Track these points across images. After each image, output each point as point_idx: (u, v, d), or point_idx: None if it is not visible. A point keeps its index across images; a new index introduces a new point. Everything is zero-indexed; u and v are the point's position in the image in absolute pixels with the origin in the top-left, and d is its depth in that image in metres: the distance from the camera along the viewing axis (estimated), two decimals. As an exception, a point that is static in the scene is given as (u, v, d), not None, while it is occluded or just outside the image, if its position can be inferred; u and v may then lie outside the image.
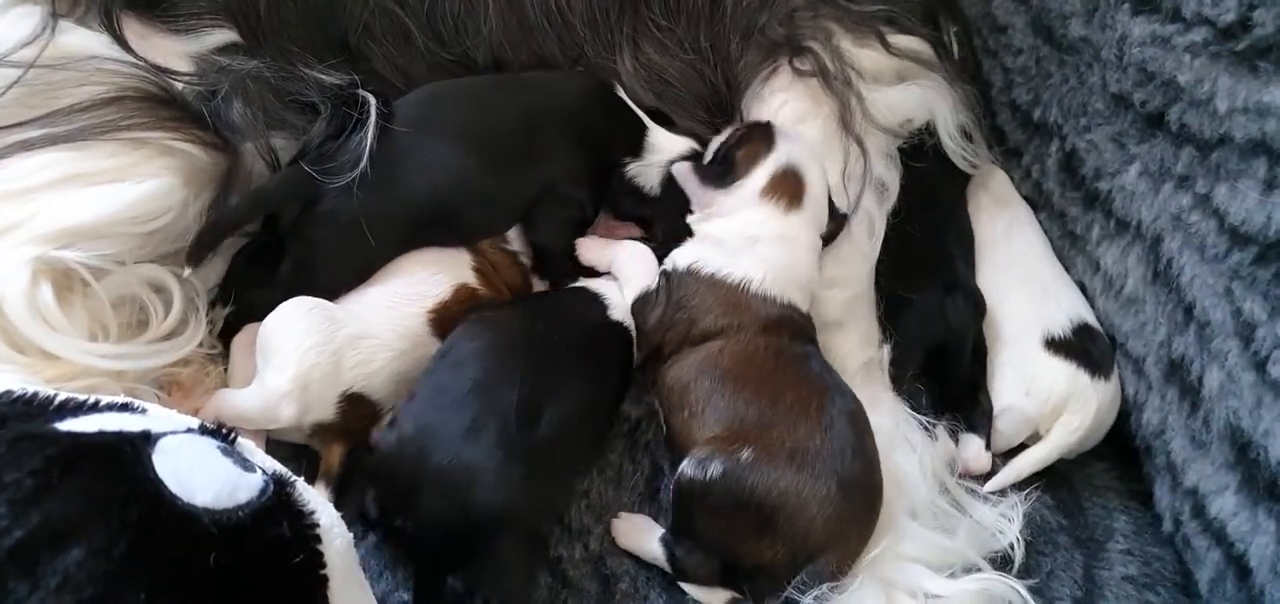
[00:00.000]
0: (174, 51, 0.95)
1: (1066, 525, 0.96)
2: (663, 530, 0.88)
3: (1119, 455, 1.02)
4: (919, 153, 1.13)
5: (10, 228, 0.78)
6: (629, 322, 0.96)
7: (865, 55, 1.13)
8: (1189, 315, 0.95)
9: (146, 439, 0.61)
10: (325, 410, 0.86)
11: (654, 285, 0.97)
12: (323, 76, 0.97)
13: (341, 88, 0.97)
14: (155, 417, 0.66)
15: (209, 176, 0.89)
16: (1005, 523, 0.91)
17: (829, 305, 0.99)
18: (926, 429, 0.97)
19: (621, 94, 1.05)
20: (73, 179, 0.81)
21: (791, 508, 0.83)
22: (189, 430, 0.66)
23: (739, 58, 1.14)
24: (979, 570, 0.86)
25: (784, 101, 1.09)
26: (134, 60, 0.88)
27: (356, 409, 0.87)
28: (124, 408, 0.66)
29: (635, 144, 1.03)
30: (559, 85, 1.03)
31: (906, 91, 1.12)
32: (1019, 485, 0.97)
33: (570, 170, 0.98)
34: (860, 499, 0.86)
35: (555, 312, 0.93)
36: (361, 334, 0.88)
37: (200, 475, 0.61)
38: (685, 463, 0.85)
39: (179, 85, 0.91)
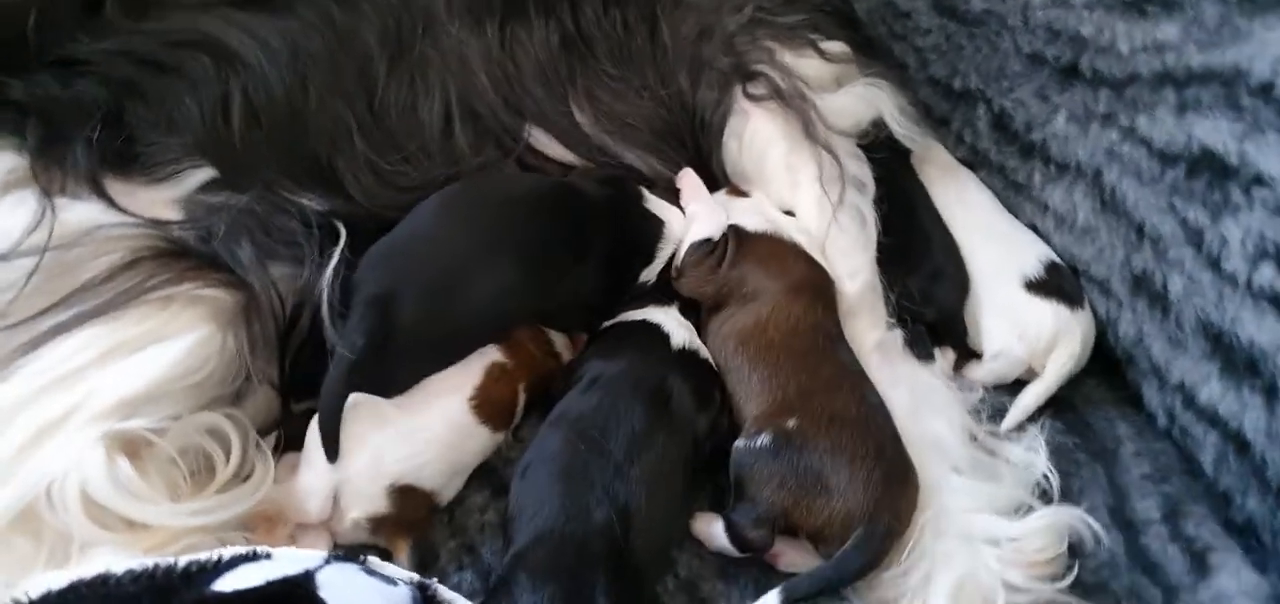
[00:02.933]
0: (160, 201, 0.95)
1: (1080, 443, 1.05)
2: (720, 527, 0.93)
3: (1102, 369, 1.12)
4: (872, 146, 1.21)
5: (70, 413, 0.77)
6: (693, 344, 1.00)
7: (807, 66, 1.21)
8: (1141, 234, 1.05)
9: (308, 578, 0.62)
10: (374, 503, 0.87)
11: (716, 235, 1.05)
12: (305, 203, 0.98)
13: (324, 214, 0.98)
14: (288, 557, 0.67)
15: (237, 313, 0.89)
16: (1033, 456, 0.99)
17: (845, 296, 1.06)
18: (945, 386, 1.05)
19: (647, 201, 1.09)
20: (114, 351, 0.81)
21: (839, 470, 0.90)
22: (327, 562, 0.67)
23: (692, 93, 1.20)
24: (1029, 507, 0.93)
25: (752, 133, 1.16)
26: (135, 220, 0.88)
27: (411, 500, 0.89)
28: (255, 557, 0.67)
29: (651, 250, 1.07)
30: (595, 194, 1.06)
31: (851, 94, 1.20)
32: (1028, 420, 1.05)
33: (599, 285, 1.03)
34: (900, 463, 0.93)
35: (621, 382, 0.95)
36: (413, 428, 0.90)
37: (362, 598, 0.63)
38: (738, 440, 0.93)
39: (175, 233, 0.90)
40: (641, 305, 1.03)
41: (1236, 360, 0.96)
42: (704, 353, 1.01)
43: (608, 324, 1.03)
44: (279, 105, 1.02)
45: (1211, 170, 0.98)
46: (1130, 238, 1.07)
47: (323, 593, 0.61)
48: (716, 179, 1.21)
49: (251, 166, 0.99)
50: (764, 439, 0.92)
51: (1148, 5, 1.03)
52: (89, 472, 0.75)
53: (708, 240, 1.08)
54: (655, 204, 1.09)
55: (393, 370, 0.91)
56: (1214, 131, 0.97)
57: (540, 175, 1.11)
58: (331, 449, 0.86)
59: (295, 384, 0.95)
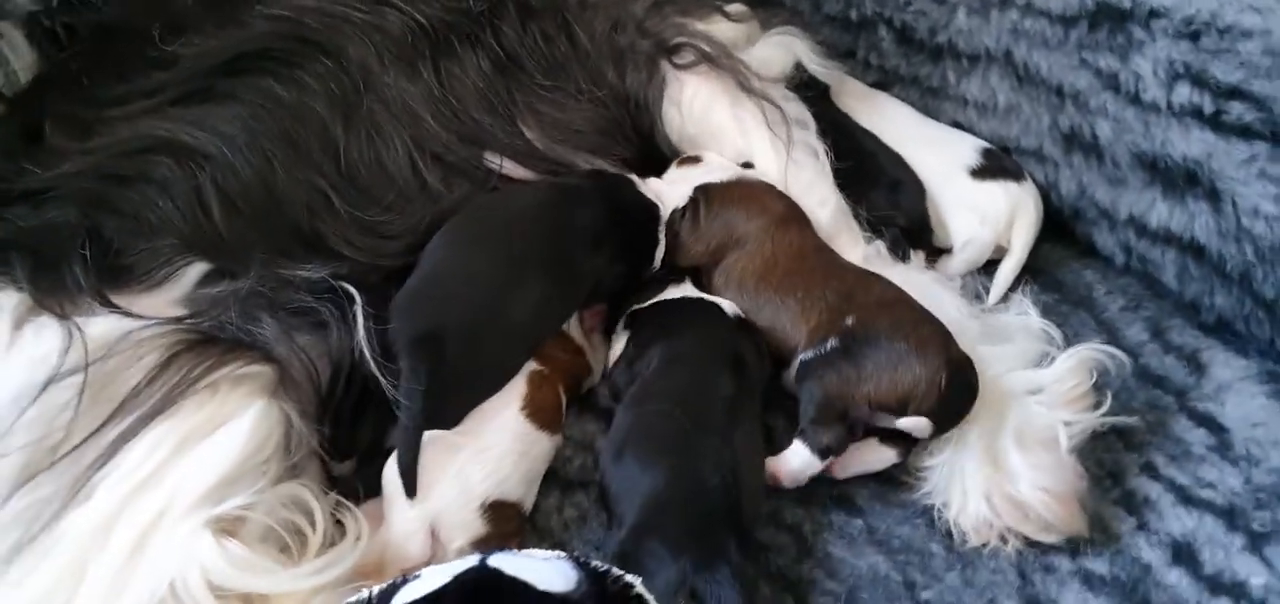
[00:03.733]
0: (164, 304, 0.93)
1: (1059, 297, 1.16)
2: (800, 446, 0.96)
3: (1052, 232, 1.22)
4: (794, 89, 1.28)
5: (164, 511, 0.76)
6: (737, 309, 1.05)
7: (719, 30, 1.28)
8: (1061, 95, 1.17)
9: (483, 564, 0.64)
10: (472, 527, 0.89)
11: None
12: (304, 273, 0.98)
13: (321, 281, 0.98)
14: (441, 570, 0.68)
15: (278, 385, 0.88)
16: (1027, 317, 1.07)
17: (820, 224, 1.12)
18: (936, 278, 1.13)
19: (638, 185, 1.14)
20: (184, 444, 0.80)
21: (908, 338, 0.95)
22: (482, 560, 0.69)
23: (621, 81, 1.25)
24: (1049, 355, 1.02)
25: (691, 97, 1.21)
26: (157, 320, 0.87)
27: (503, 514, 0.90)
28: (406, 581, 0.68)
29: (654, 231, 1.10)
30: (591, 190, 1.10)
31: (768, 45, 1.28)
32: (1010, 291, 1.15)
33: (619, 273, 1.07)
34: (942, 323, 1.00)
35: (701, 356, 0.98)
36: (482, 448, 0.91)
37: (536, 570, 0.65)
38: (802, 355, 0.98)
39: (201, 324, 0.89)
40: (676, 284, 1.08)
41: (1175, 177, 1.08)
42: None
43: (641, 307, 1.06)
44: (252, 188, 1.01)
45: (1110, 19, 1.10)
46: (1052, 101, 1.18)
47: (507, 569, 0.63)
48: (664, 159, 1.26)
49: (242, 251, 0.98)
50: (831, 342, 0.97)
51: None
52: (205, 559, 0.74)
53: (678, 210, 1.13)
54: (646, 186, 1.14)
55: (450, 404, 0.92)
56: (1103, -16, 1.09)
57: (532, 185, 1.13)
58: (411, 486, 0.86)
59: (337, 443, 0.95)
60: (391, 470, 0.88)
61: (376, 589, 0.66)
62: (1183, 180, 1.08)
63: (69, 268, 0.89)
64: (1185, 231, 1.09)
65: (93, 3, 1.15)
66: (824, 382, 0.96)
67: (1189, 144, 1.06)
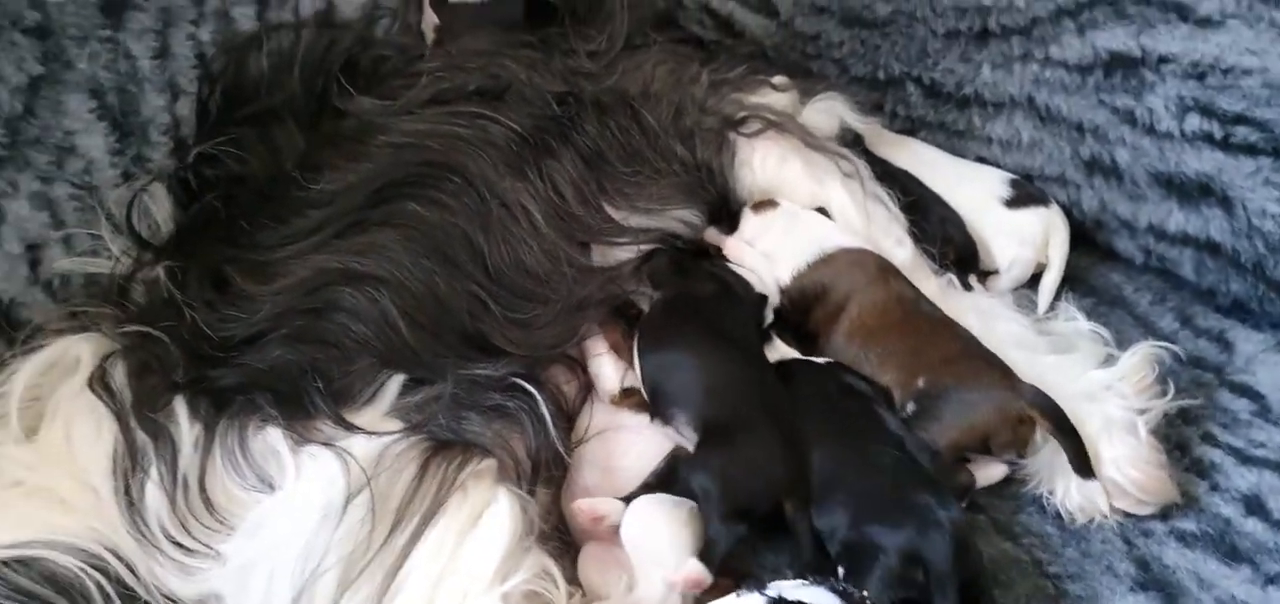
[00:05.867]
0: (377, 418, 1.05)
1: (1096, 301, 1.34)
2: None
3: (1074, 241, 1.40)
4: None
5: (466, 594, 0.90)
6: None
7: (772, 99, 1.45)
8: (1081, 130, 1.36)
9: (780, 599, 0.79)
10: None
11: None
12: (483, 372, 1.11)
13: (501, 378, 1.11)
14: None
15: (501, 474, 1.02)
16: (1077, 322, 1.26)
17: (901, 263, 1.29)
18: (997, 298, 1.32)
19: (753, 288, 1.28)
20: (460, 538, 0.93)
21: (974, 391, 1.12)
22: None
23: (694, 157, 1.40)
24: (1111, 355, 1.21)
25: (762, 158, 1.37)
26: (400, 432, 1.00)
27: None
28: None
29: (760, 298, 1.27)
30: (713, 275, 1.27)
31: (814, 110, 1.45)
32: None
33: None
34: (1002, 361, 1.17)
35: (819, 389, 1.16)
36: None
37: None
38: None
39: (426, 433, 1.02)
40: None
41: (1190, 190, 1.29)
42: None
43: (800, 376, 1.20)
44: (424, 301, 1.13)
45: (1123, 66, 1.30)
46: (1073, 136, 1.38)
47: (792, 597, 0.78)
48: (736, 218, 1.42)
49: (428, 359, 1.10)
50: (910, 406, 1.14)
51: (1034, -34, 1.33)
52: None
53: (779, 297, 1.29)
54: (731, 268, 1.29)
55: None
56: (1114, 39, 1.29)
57: (692, 280, 1.27)
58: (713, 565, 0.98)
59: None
60: (633, 530, 1.00)
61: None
62: (1197, 192, 1.28)
63: (309, 399, 1.01)
64: (1201, 233, 1.30)
65: (224, 159, 1.27)
66: (924, 433, 1.11)
67: (1201, 163, 1.26)
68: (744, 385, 1.12)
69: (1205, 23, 1.19)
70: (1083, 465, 1.08)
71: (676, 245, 1.34)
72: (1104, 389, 1.16)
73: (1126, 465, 1.11)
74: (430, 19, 1.55)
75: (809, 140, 1.38)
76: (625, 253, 1.32)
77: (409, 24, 1.56)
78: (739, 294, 1.24)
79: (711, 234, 1.36)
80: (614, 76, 1.45)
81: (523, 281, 1.21)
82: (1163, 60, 1.26)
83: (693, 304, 1.21)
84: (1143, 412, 1.14)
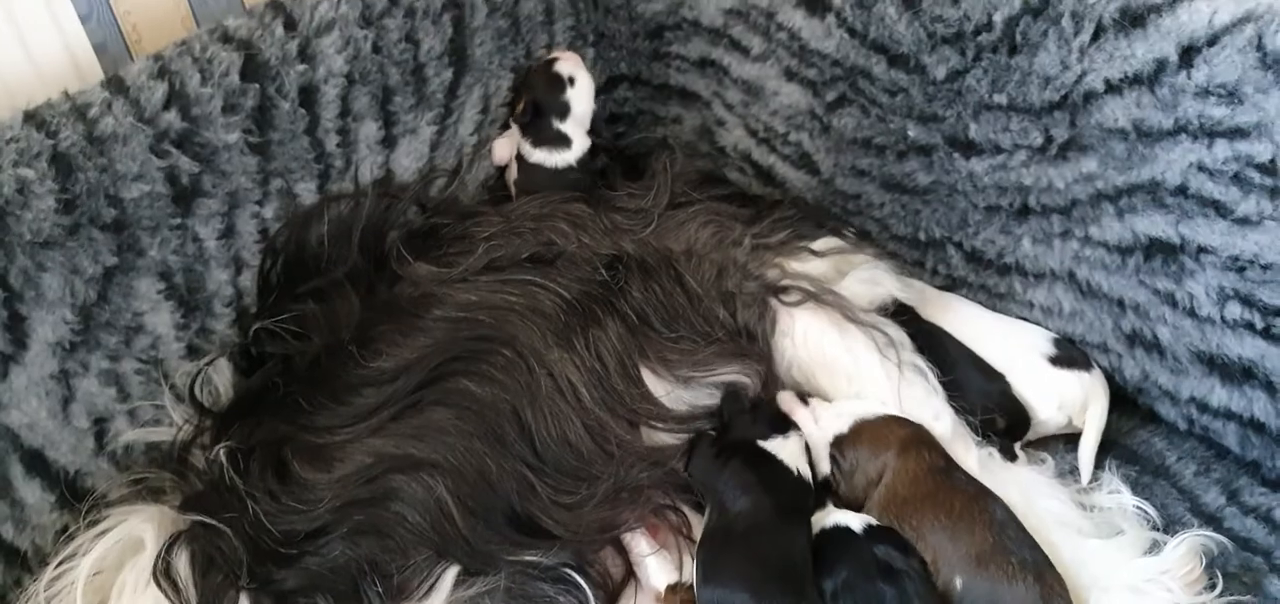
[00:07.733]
0: (436, 612, 1.08)
1: (1139, 470, 1.35)
2: None
3: (1115, 400, 1.42)
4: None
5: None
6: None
7: (813, 267, 1.48)
8: (1122, 306, 1.37)
9: None
10: None
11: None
12: (532, 559, 1.14)
13: (552, 569, 1.14)
14: None
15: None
16: (1120, 495, 1.27)
17: (940, 435, 1.31)
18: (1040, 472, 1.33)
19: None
20: None
21: (1006, 594, 1.13)
22: None
23: (734, 319, 1.42)
24: (1156, 543, 1.21)
25: (802, 331, 1.40)
26: None
27: None
28: None
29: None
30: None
31: (856, 280, 1.47)
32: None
33: None
34: (1040, 556, 1.17)
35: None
36: None
37: None
38: None
39: None
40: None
41: (1233, 371, 1.29)
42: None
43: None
44: (477, 486, 1.17)
45: (1162, 251, 1.30)
46: (1114, 310, 1.38)
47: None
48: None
49: (481, 548, 1.14)
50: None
51: (1068, 152, 1.34)
52: None
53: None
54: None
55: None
56: (1153, 225, 1.29)
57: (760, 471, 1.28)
58: None
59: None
60: None
61: None
62: (1240, 373, 1.28)
63: (368, 601, 1.04)
64: (1244, 411, 1.30)
65: (283, 335, 1.31)
66: None
67: (1243, 347, 1.26)
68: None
69: (1243, 221, 1.21)
70: None
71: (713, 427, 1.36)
72: (1148, 582, 1.16)
73: (1177, 661, 1.11)
74: (512, 174, 1.65)
75: (847, 313, 1.40)
76: (668, 437, 1.34)
77: (464, 182, 1.61)
78: (788, 499, 1.25)
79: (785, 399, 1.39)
80: (658, 234, 1.48)
81: (568, 459, 1.24)
82: (1202, 250, 1.26)
83: (749, 524, 1.22)
84: (1188, 608, 1.14)
